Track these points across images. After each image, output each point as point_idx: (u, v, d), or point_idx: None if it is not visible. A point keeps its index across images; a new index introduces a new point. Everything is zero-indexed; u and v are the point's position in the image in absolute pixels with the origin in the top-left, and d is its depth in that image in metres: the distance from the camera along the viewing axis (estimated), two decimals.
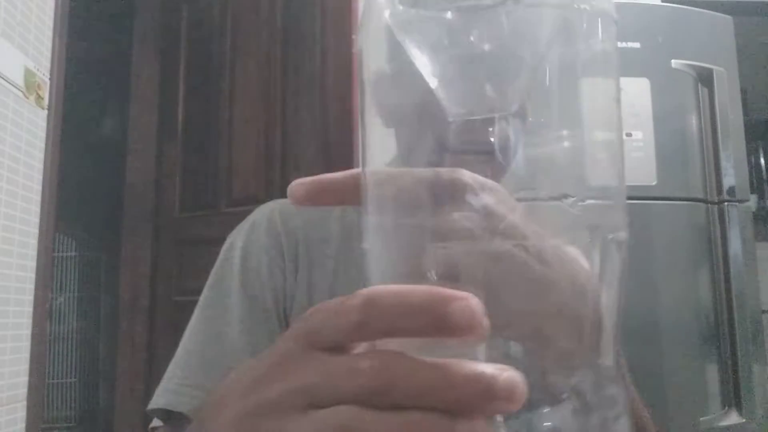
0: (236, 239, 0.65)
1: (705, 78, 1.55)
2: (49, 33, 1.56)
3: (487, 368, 0.20)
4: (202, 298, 0.63)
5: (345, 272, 0.63)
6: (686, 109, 1.55)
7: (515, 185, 0.27)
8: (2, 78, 1.34)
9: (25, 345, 1.44)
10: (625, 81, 1.53)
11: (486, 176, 0.26)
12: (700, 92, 1.56)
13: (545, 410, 0.25)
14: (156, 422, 0.59)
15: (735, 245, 1.48)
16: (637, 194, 1.46)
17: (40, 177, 1.51)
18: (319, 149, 1.88)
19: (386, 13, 0.27)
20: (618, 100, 0.28)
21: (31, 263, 1.47)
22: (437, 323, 0.20)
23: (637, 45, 1.55)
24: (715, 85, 1.53)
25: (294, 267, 0.63)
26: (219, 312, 0.61)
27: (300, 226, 0.65)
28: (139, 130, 2.27)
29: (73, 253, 2.64)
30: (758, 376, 1.45)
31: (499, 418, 0.23)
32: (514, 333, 0.26)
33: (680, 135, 1.54)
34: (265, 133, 2.01)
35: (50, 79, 1.55)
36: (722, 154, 1.51)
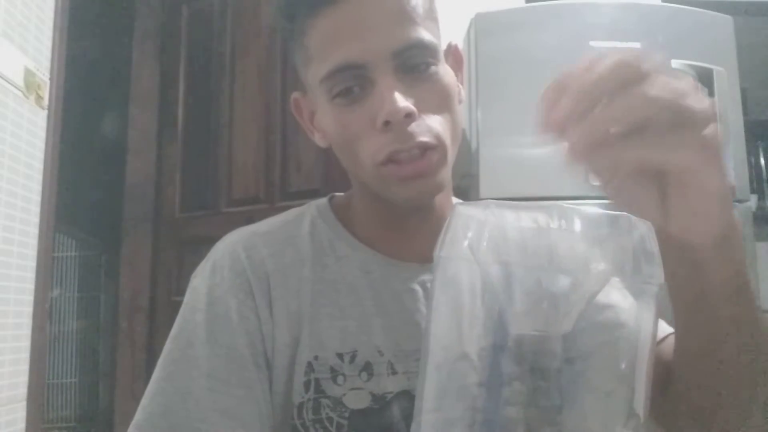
0: (199, 284, 0.59)
1: (705, 78, 1.55)
2: (49, 33, 1.56)
3: None
4: (165, 352, 0.56)
5: (324, 295, 0.59)
6: None
7: None
8: (2, 78, 1.34)
9: (25, 345, 1.44)
10: None
11: None
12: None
13: None
14: None
15: None
16: None
17: (40, 177, 1.51)
18: (319, 149, 1.88)
19: (466, 247, 0.37)
20: None
21: (31, 263, 1.47)
22: None
23: (637, 45, 1.55)
24: (715, 85, 1.53)
25: (267, 303, 0.57)
26: (183, 367, 0.54)
27: (267, 255, 0.59)
28: (139, 130, 2.27)
29: (73, 253, 2.64)
30: None
31: None
32: None
33: None
34: (265, 133, 2.01)
35: (50, 79, 1.55)
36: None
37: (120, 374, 2.14)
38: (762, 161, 2.66)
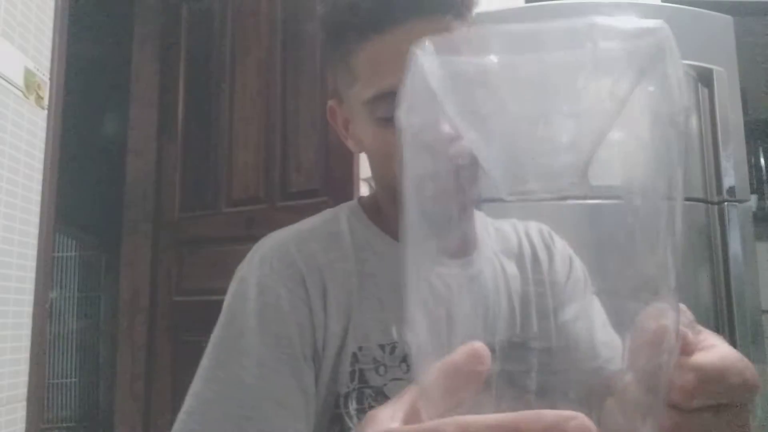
0: (247, 273, 0.60)
1: (705, 78, 1.55)
2: (49, 33, 1.56)
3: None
4: (214, 339, 0.58)
5: (365, 288, 0.61)
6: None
7: None
8: (2, 78, 1.34)
9: (25, 345, 1.44)
10: None
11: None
12: (700, 92, 1.56)
13: None
14: None
15: (735, 245, 1.48)
16: None
17: (40, 177, 1.51)
18: (319, 149, 1.88)
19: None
20: None
21: (31, 263, 1.47)
22: None
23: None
24: (715, 85, 1.53)
25: (320, 293, 0.59)
26: (235, 356, 0.56)
27: (318, 250, 0.61)
28: (139, 130, 2.27)
29: (73, 253, 2.65)
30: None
31: None
32: None
33: None
34: (265, 133, 2.01)
35: (50, 79, 1.55)
36: (722, 154, 1.51)
37: (120, 374, 2.14)
38: (762, 161, 2.67)
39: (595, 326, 0.64)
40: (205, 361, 0.57)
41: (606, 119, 0.28)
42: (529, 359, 0.36)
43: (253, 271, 0.60)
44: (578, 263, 0.74)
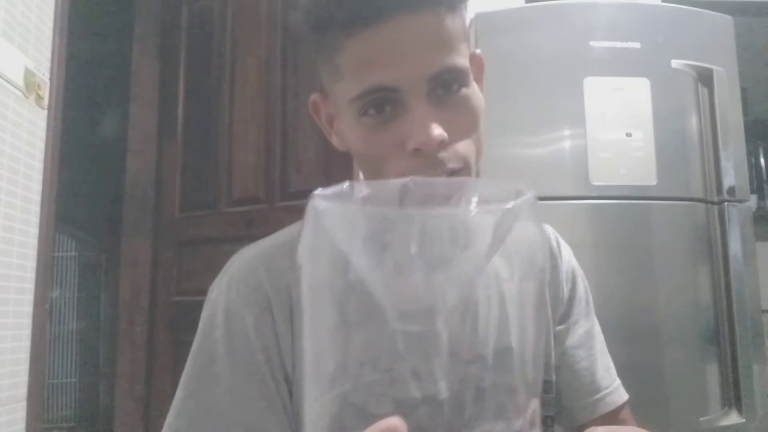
0: (216, 298, 0.59)
1: (705, 78, 1.55)
2: (49, 33, 1.56)
3: None
4: (187, 368, 0.58)
5: None
6: (686, 109, 1.55)
7: None
8: (2, 78, 1.34)
9: (25, 345, 1.44)
10: (625, 81, 1.53)
11: None
12: (700, 92, 1.56)
13: None
14: None
15: (735, 245, 1.48)
16: (637, 194, 1.46)
17: (40, 177, 1.51)
18: (319, 149, 1.88)
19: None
20: None
21: (31, 263, 1.47)
22: None
23: (637, 45, 1.55)
24: (715, 85, 1.53)
25: (287, 315, 0.57)
26: (205, 383, 0.55)
27: (288, 267, 0.58)
28: (139, 130, 2.27)
29: (73, 253, 2.65)
30: (758, 376, 1.45)
31: None
32: None
33: (680, 135, 1.54)
34: (265, 133, 2.01)
35: (50, 79, 1.55)
36: (722, 154, 1.51)
37: (120, 374, 2.14)
38: (762, 161, 2.66)
39: (596, 353, 0.65)
40: (178, 392, 0.57)
41: (474, 263, 0.37)
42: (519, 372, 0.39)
43: (221, 294, 0.59)
44: (582, 278, 0.71)
